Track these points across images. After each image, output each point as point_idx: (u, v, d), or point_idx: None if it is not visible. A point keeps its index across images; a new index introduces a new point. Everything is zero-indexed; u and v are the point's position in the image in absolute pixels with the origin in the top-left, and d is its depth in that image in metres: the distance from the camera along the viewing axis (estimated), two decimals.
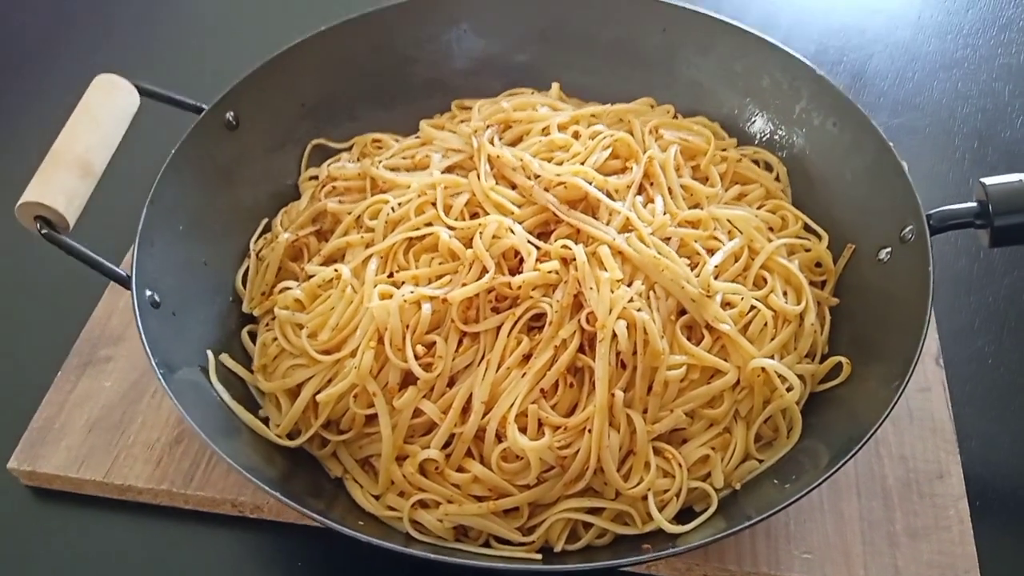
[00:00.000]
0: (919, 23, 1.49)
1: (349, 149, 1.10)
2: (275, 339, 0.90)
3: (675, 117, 1.08)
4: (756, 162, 1.06)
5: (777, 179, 1.05)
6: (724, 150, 1.05)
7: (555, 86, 1.12)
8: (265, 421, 0.88)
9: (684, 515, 0.81)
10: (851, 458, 0.76)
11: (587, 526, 0.81)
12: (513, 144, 1.03)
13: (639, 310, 0.82)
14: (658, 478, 0.81)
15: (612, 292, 0.83)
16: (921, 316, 0.80)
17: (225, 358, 0.91)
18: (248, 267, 0.99)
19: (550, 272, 0.85)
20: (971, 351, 1.06)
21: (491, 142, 0.99)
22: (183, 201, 0.95)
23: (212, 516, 0.93)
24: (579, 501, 0.80)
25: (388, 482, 0.82)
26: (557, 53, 1.15)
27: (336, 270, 0.89)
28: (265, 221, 1.04)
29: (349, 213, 0.96)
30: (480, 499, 0.80)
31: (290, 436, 0.87)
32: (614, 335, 0.81)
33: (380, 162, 1.01)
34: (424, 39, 1.14)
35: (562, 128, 1.02)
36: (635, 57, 1.14)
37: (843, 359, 0.88)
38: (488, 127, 1.02)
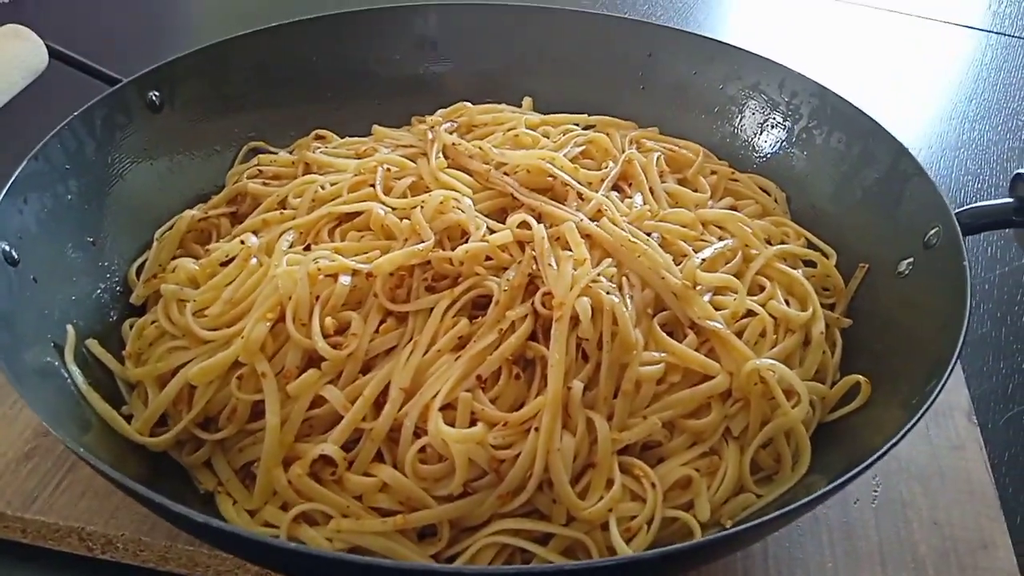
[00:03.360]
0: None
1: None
2: (154, 321, 0.72)
3: None
4: None
5: (776, 203, 0.91)
6: (714, 173, 0.91)
7: (527, 100, 1.00)
8: (128, 421, 0.69)
9: None
10: (853, 478, 0.57)
11: (528, 559, 0.60)
12: None
13: (608, 292, 0.66)
14: (624, 500, 0.61)
15: (575, 270, 0.67)
16: (957, 315, 0.64)
17: (93, 344, 0.73)
18: (147, 259, 0.83)
19: (501, 247, 0.69)
20: (1006, 417, 0.89)
21: (450, 134, 0.86)
22: (79, 169, 0.80)
23: (57, 556, 0.72)
24: (518, 523, 0.60)
25: (269, 491, 0.62)
26: (533, 76, 1.04)
27: (242, 241, 0.73)
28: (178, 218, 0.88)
29: (273, 196, 0.81)
30: (387, 514, 0.60)
31: (155, 435, 0.67)
32: (574, 317, 0.64)
33: (318, 149, 0.87)
34: (387, 50, 1.04)
35: (531, 127, 0.89)
36: (618, 82, 1.03)
37: (861, 378, 0.70)
38: (448, 122, 0.89)
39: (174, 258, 0.79)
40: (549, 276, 0.66)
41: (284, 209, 0.80)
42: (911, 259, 0.76)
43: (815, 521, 0.74)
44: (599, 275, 0.67)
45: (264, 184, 0.83)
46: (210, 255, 0.75)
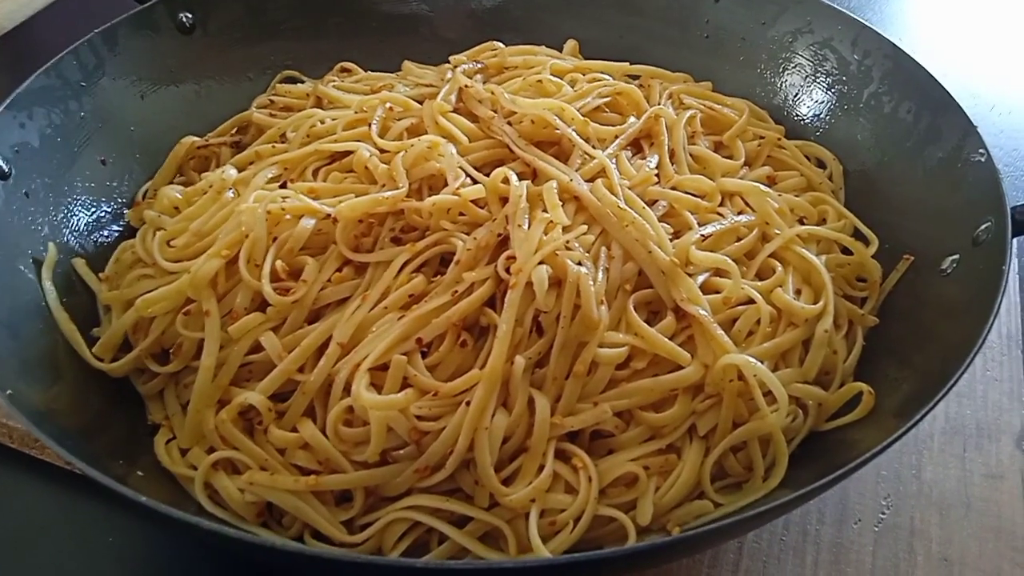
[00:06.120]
0: None
1: None
2: (133, 246, 0.72)
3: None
4: (808, 157, 0.83)
5: (830, 179, 0.81)
6: (762, 138, 0.82)
7: (571, 43, 0.93)
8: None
9: None
10: (816, 493, 0.51)
11: (443, 540, 0.56)
12: None
13: (579, 263, 0.60)
14: (557, 491, 0.56)
15: (545, 235, 0.61)
16: (976, 327, 0.54)
17: (79, 263, 0.73)
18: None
19: (480, 203, 0.64)
20: None
21: (469, 77, 0.80)
22: (95, 87, 0.80)
23: (43, 466, 0.73)
24: (435, 500, 0.56)
25: (197, 432, 0.61)
26: (588, 17, 0.96)
27: (223, 172, 0.71)
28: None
29: (275, 128, 0.78)
30: (306, 472, 0.57)
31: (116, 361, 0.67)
32: (531, 285, 0.58)
33: (333, 83, 0.84)
34: None
35: (558, 73, 0.82)
36: (681, 29, 0.94)
37: (864, 387, 0.61)
38: (471, 62, 0.84)
39: (171, 183, 0.78)
40: (516, 238, 0.61)
41: (283, 142, 0.77)
42: (956, 256, 0.65)
43: (803, 537, 0.66)
44: (571, 242, 0.61)
45: (272, 115, 0.81)
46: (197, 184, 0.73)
